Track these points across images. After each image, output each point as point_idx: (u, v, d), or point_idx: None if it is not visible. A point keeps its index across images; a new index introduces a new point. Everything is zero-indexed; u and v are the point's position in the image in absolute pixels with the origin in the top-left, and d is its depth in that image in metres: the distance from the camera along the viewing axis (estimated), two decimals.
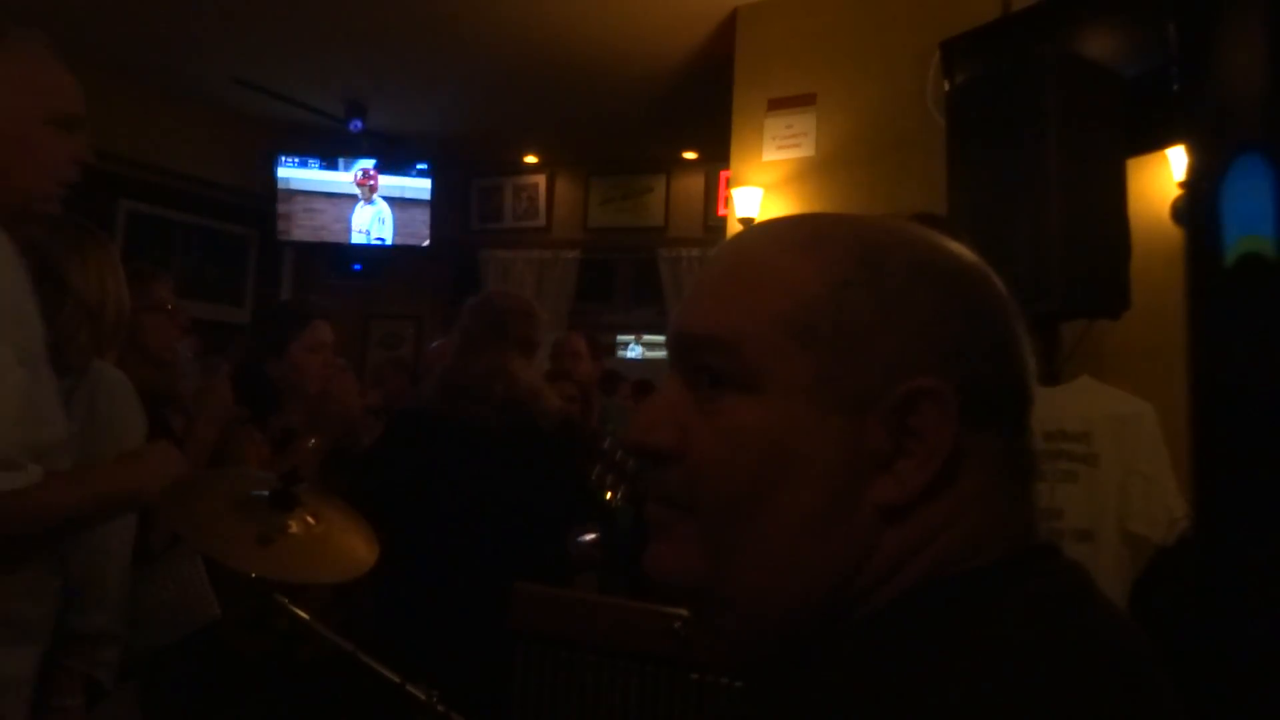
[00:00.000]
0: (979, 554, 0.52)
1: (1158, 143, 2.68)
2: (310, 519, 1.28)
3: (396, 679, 1.25)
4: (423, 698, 1.24)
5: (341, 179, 6.07)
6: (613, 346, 6.56)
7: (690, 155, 6.14)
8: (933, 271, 0.54)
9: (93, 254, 1.72)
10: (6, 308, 1.12)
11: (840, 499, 0.51)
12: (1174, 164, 2.88)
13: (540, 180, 6.70)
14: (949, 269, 0.55)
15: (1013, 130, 2.40)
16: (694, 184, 6.24)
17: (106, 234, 1.79)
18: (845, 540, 0.51)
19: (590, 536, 3.13)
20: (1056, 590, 0.51)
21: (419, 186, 6.15)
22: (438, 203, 6.21)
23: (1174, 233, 2.83)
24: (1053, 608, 0.50)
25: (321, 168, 6.07)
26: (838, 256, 0.53)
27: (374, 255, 6.25)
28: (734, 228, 3.98)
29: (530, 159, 6.63)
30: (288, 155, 6.04)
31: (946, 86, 3.10)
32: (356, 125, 5.66)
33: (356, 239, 6.15)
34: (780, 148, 3.85)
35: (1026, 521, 0.54)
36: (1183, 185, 2.85)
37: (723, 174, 5.25)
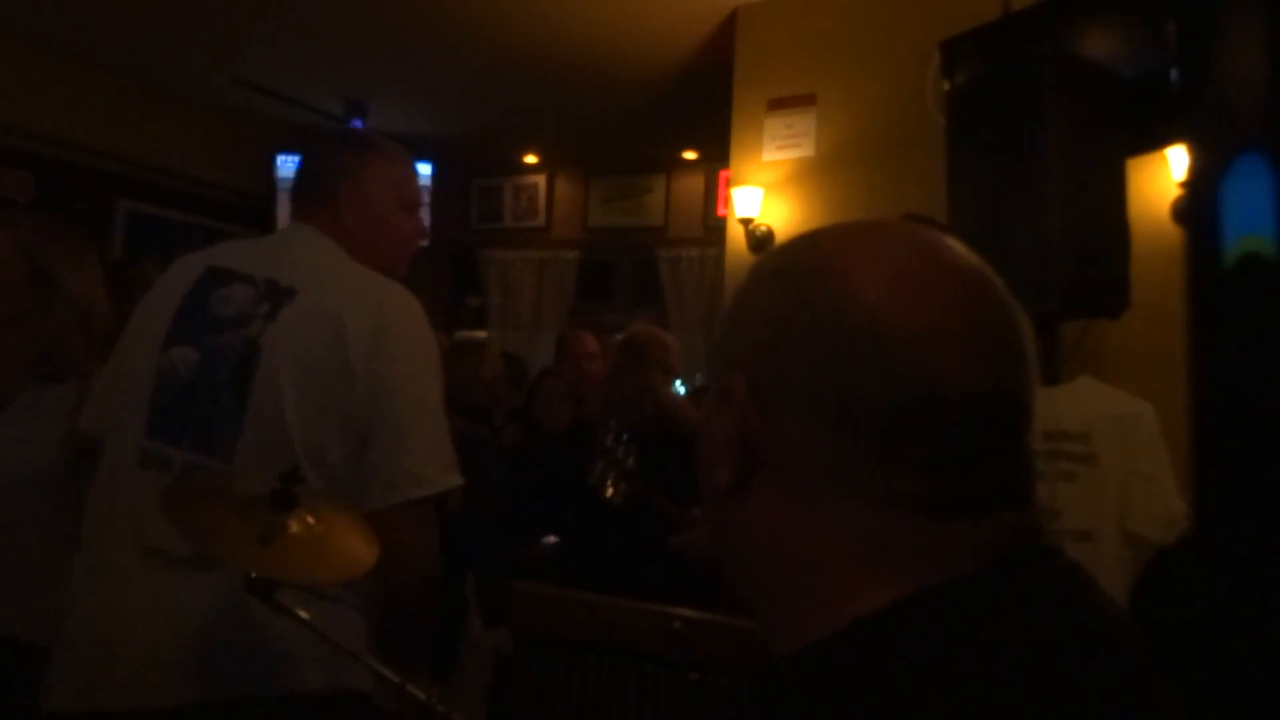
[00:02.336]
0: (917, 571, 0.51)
1: (1158, 143, 2.68)
2: (310, 519, 1.28)
3: (397, 679, 1.25)
4: (423, 697, 1.24)
5: None
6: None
7: (690, 155, 6.14)
8: (776, 272, 0.57)
9: (84, 261, 1.78)
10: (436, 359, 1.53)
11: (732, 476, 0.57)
12: (1174, 164, 2.88)
13: (540, 180, 6.70)
14: (791, 266, 0.57)
15: (1013, 130, 2.41)
16: (694, 184, 6.24)
17: (93, 243, 1.84)
18: (733, 514, 0.57)
19: (551, 539, 3.15)
20: (1043, 594, 0.51)
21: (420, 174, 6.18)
22: (437, 202, 6.21)
23: (1174, 233, 2.83)
24: (1037, 612, 0.50)
25: None
26: (751, 272, 0.60)
27: None
28: (734, 228, 3.98)
29: (530, 159, 6.63)
30: (287, 155, 6.03)
31: (946, 86, 3.10)
32: (356, 125, 5.66)
33: None
34: (780, 148, 3.85)
35: (995, 532, 0.52)
36: (1183, 185, 2.85)
37: (723, 174, 5.25)
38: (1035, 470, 0.55)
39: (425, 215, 1.87)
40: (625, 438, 2.30)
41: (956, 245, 0.56)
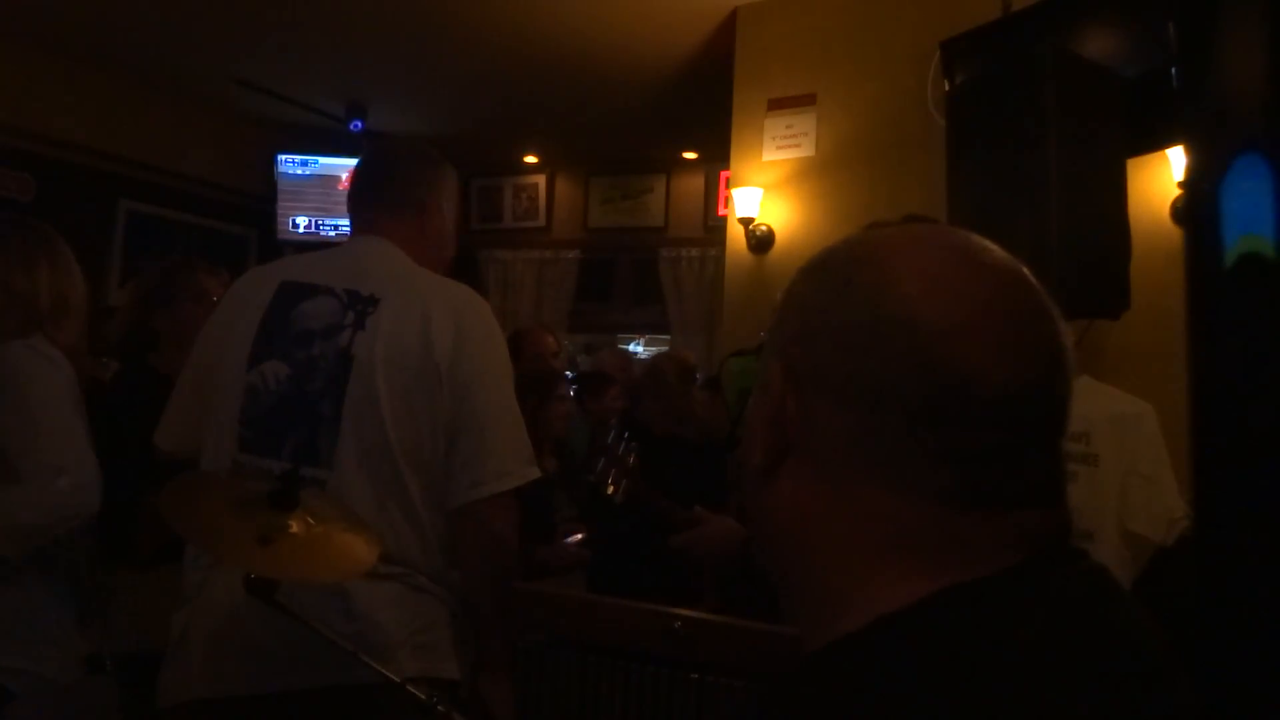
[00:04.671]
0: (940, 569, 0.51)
1: (1158, 143, 2.68)
2: (310, 519, 1.28)
3: (397, 679, 1.25)
4: (422, 697, 1.24)
5: (341, 181, 6.07)
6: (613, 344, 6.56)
7: (690, 155, 6.14)
8: (821, 265, 0.59)
9: (18, 244, 1.83)
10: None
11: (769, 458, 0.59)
12: (1174, 164, 2.88)
13: (540, 180, 6.70)
14: (835, 260, 0.59)
15: (1013, 130, 2.40)
16: (694, 184, 6.24)
17: (51, 229, 1.89)
18: (766, 496, 0.59)
19: (576, 538, 3.15)
20: (1070, 599, 0.52)
21: None
22: None
23: (1174, 233, 2.83)
24: (1066, 617, 0.50)
25: (321, 168, 6.07)
26: (800, 269, 0.62)
27: None
28: (734, 228, 3.98)
29: (530, 159, 6.63)
30: (287, 155, 6.03)
31: (946, 86, 3.10)
32: (356, 125, 5.65)
33: None
34: (780, 148, 3.85)
35: (1018, 524, 0.52)
36: (1183, 185, 2.85)
37: (723, 174, 5.25)
38: (1065, 471, 0.55)
39: None
40: (627, 436, 2.30)
41: (998, 249, 0.57)
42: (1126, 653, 0.50)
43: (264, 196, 6.04)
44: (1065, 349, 0.55)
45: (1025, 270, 0.57)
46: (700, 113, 4.77)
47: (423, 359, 1.47)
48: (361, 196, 1.70)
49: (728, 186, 4.15)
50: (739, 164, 3.96)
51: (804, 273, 0.60)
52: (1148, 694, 0.49)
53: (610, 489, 2.22)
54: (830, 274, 0.58)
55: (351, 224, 1.71)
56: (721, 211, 5.64)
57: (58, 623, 1.70)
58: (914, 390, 0.51)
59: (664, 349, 6.52)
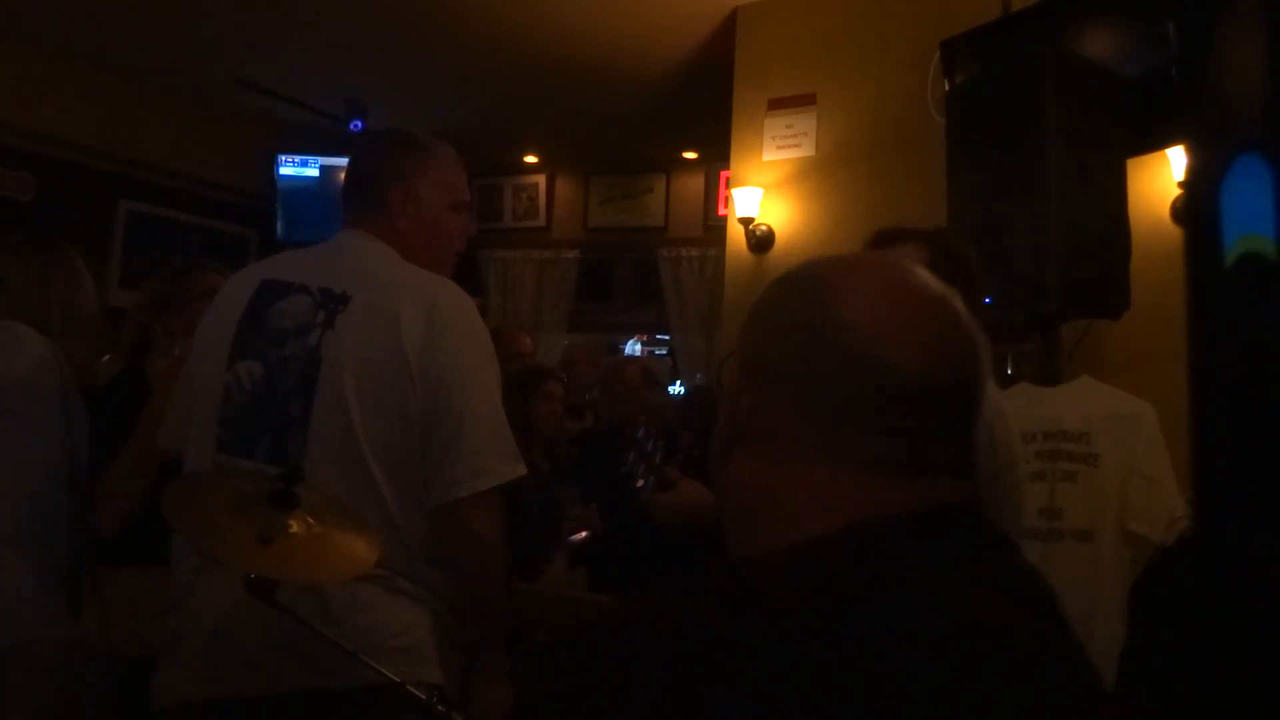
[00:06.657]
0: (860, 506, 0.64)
1: (1158, 143, 2.68)
2: (310, 519, 1.28)
3: (397, 679, 1.25)
4: (422, 697, 1.24)
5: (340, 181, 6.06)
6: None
7: (690, 155, 6.14)
8: (777, 302, 0.73)
9: (37, 260, 1.87)
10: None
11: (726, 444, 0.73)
12: (1174, 164, 2.88)
13: (540, 180, 6.69)
14: (796, 278, 0.72)
15: (1013, 130, 2.41)
16: (694, 184, 6.24)
17: (71, 249, 1.92)
18: (726, 472, 0.73)
19: (580, 535, 3.16)
20: (957, 536, 0.64)
21: None
22: None
23: (1174, 233, 2.84)
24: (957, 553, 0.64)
25: (321, 168, 6.07)
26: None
27: None
28: (734, 228, 3.99)
29: (530, 159, 6.63)
30: (288, 155, 6.03)
31: (946, 86, 3.11)
32: (356, 125, 5.65)
33: None
34: (780, 148, 3.85)
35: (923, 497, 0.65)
36: (1183, 185, 2.85)
37: (723, 174, 5.25)
38: (978, 449, 0.68)
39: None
40: (656, 435, 2.33)
41: (928, 276, 0.70)
42: (1019, 582, 0.64)
43: (264, 196, 6.04)
44: (980, 349, 0.69)
45: (950, 295, 0.69)
46: (700, 113, 4.77)
47: (392, 355, 1.43)
48: (345, 192, 1.67)
49: (728, 186, 4.15)
50: (739, 164, 3.96)
51: (763, 304, 0.74)
52: (1036, 618, 0.61)
53: (639, 482, 2.23)
54: (786, 310, 0.71)
55: (342, 219, 1.68)
56: (721, 211, 5.64)
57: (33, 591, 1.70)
58: (856, 384, 0.65)
59: (661, 350, 6.53)
